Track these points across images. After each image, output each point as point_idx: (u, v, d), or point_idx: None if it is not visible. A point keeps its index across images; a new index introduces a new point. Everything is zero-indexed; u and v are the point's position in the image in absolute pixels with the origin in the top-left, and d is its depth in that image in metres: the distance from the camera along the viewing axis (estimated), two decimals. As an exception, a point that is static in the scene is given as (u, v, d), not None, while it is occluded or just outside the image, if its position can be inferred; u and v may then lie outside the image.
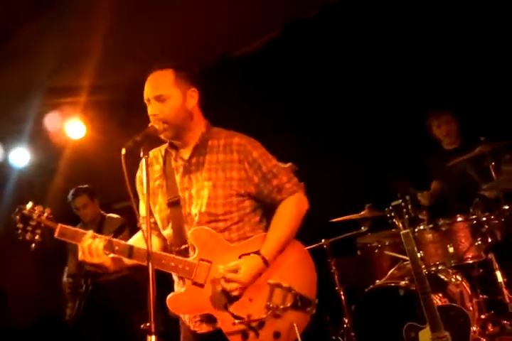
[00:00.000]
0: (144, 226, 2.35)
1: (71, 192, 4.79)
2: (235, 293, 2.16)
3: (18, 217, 2.25)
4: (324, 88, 5.39)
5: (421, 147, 4.94)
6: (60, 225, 2.24)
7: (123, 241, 2.28)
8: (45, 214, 2.26)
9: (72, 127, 6.06)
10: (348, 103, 5.29)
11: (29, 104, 5.63)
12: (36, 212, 2.25)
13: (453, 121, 4.68)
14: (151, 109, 2.30)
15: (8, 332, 5.83)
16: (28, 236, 2.24)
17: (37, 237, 2.24)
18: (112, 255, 2.25)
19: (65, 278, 4.64)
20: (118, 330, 4.39)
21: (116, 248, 2.22)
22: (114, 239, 2.26)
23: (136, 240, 2.40)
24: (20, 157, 6.13)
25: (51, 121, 5.78)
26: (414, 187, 4.42)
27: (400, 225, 3.29)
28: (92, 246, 2.19)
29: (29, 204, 2.27)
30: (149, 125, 2.27)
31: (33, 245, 2.26)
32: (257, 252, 2.24)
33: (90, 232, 2.24)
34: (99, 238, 2.22)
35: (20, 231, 2.24)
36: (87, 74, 5.34)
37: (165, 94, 2.28)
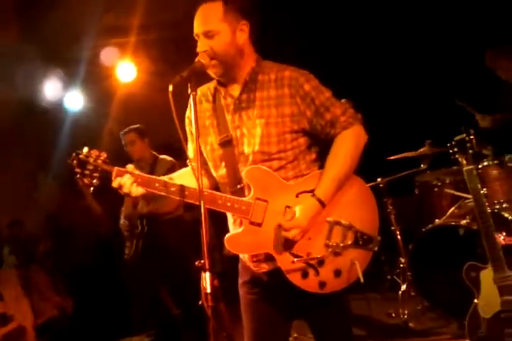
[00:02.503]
0: (193, 166, 2.31)
1: (122, 131, 4.88)
2: (297, 239, 2.12)
3: (75, 162, 2.23)
4: (381, 21, 5.13)
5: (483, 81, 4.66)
6: (116, 168, 2.21)
7: (175, 182, 2.22)
8: (102, 158, 2.22)
9: (123, 69, 6.04)
10: (407, 38, 5.04)
11: (82, 46, 5.61)
12: (92, 156, 2.22)
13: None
14: (200, 46, 2.19)
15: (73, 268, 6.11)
16: (86, 180, 2.23)
17: (95, 181, 2.22)
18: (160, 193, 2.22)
19: (121, 220, 4.76)
20: (174, 268, 4.51)
21: (172, 189, 2.17)
22: (166, 179, 2.23)
23: (184, 175, 2.36)
24: (75, 100, 6.19)
25: (106, 56, 5.75)
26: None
27: (464, 161, 3.12)
28: (127, 183, 2.17)
29: (85, 149, 2.25)
30: (196, 60, 2.16)
31: (92, 188, 2.26)
32: (312, 193, 2.16)
33: (129, 166, 2.22)
34: (135, 176, 2.19)
35: (78, 175, 2.23)
36: (138, 13, 5.25)
37: (213, 29, 2.16)
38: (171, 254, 4.53)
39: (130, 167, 2.23)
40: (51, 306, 5.75)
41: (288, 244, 2.13)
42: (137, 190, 2.19)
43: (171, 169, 4.45)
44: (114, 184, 2.19)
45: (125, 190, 2.17)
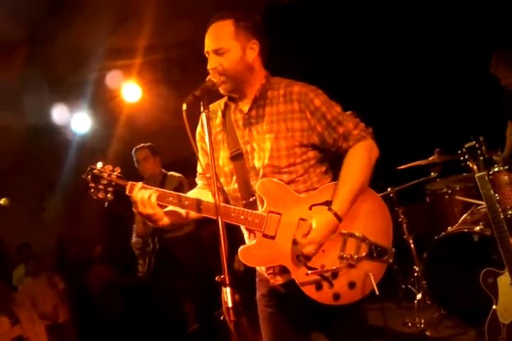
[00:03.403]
0: (200, 183, 2.38)
1: (134, 148, 4.89)
2: (312, 254, 2.12)
3: (89, 176, 2.26)
4: (390, 30, 5.17)
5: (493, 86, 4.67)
6: (130, 183, 2.23)
7: (190, 196, 2.25)
8: (115, 173, 2.26)
9: (129, 90, 6.11)
10: (418, 43, 5.07)
11: (88, 68, 5.68)
12: (106, 171, 2.25)
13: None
14: (211, 63, 2.23)
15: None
16: (100, 194, 2.25)
17: (109, 195, 2.24)
18: (169, 208, 2.23)
19: (133, 239, 4.76)
20: (186, 284, 4.51)
21: (187, 202, 2.19)
22: (181, 194, 2.23)
23: (197, 195, 2.37)
24: (82, 122, 6.25)
25: (112, 79, 5.82)
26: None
27: (475, 168, 3.13)
28: (144, 196, 2.16)
29: (99, 164, 2.27)
30: (207, 78, 2.20)
31: (106, 203, 2.27)
32: (329, 206, 2.16)
33: (140, 184, 2.21)
34: (150, 189, 2.19)
35: (92, 190, 2.25)
36: (142, 35, 5.32)
37: (224, 47, 2.20)
38: (183, 270, 4.54)
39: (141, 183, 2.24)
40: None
41: (304, 258, 2.14)
42: (153, 206, 2.19)
43: (180, 186, 4.49)
44: (136, 196, 2.17)
45: (140, 205, 2.17)
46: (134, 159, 4.86)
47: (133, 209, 2.22)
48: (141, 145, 4.89)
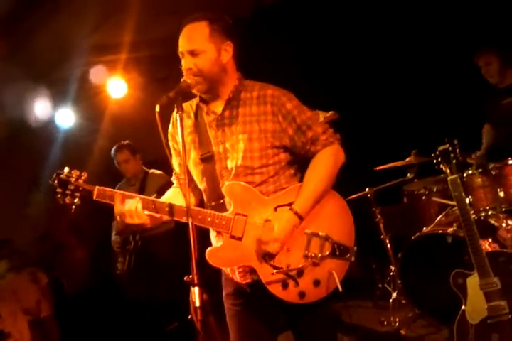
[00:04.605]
0: (175, 182, 2.40)
1: (114, 148, 4.86)
2: (275, 252, 2.17)
3: (56, 182, 2.30)
4: (366, 32, 5.20)
5: (472, 88, 4.73)
6: (97, 187, 2.28)
7: (160, 200, 2.29)
8: (83, 178, 2.30)
9: (114, 85, 6.09)
10: (394, 44, 5.11)
11: (72, 64, 5.66)
12: (73, 176, 2.29)
13: (497, 61, 4.41)
14: (185, 64, 2.26)
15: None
16: (67, 199, 2.29)
17: (76, 200, 2.29)
18: (147, 212, 2.26)
19: (113, 236, 4.75)
20: (167, 282, 4.52)
21: (156, 206, 2.24)
22: (152, 198, 2.28)
23: (172, 195, 2.42)
24: (66, 117, 6.23)
25: (96, 74, 5.80)
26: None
27: (448, 171, 3.17)
28: (131, 208, 2.20)
29: (66, 169, 2.32)
30: (182, 80, 2.23)
31: (73, 207, 2.32)
32: (290, 207, 2.21)
33: (120, 195, 2.24)
34: (135, 198, 2.23)
35: (59, 195, 2.30)
36: (128, 31, 5.30)
37: (199, 48, 2.23)
38: (164, 268, 4.54)
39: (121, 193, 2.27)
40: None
41: (268, 257, 2.18)
42: (140, 216, 2.22)
43: (168, 184, 4.47)
44: (122, 208, 2.20)
45: (128, 216, 2.20)
46: (115, 161, 4.82)
47: (117, 219, 2.24)
48: (120, 144, 4.83)
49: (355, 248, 2.29)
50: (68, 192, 2.29)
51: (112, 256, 4.84)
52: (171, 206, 2.22)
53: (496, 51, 4.43)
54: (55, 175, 2.31)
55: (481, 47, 4.53)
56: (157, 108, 2.06)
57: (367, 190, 4.55)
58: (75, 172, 2.30)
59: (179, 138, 2.21)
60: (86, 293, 5.99)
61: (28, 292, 5.75)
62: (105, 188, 2.28)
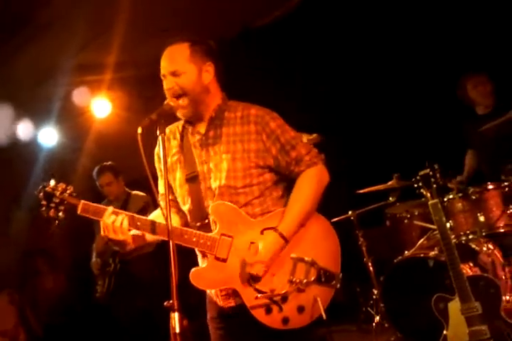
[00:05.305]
0: (162, 204, 2.37)
1: (95, 169, 4.79)
2: (260, 274, 2.15)
3: (41, 194, 2.27)
4: (349, 56, 5.28)
5: (453, 115, 4.82)
6: (82, 202, 2.25)
7: (145, 217, 2.28)
8: (68, 191, 2.27)
9: (98, 105, 6.09)
10: (376, 70, 5.20)
11: (56, 83, 5.66)
12: (59, 189, 2.26)
13: (489, 83, 4.52)
14: (166, 84, 2.28)
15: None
16: (51, 212, 2.26)
17: (60, 214, 2.26)
18: (132, 232, 2.25)
19: (93, 259, 4.69)
20: (147, 305, 4.45)
21: (139, 223, 2.23)
22: (136, 215, 2.26)
23: (157, 215, 2.40)
24: (49, 136, 6.20)
25: (79, 96, 5.80)
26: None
27: (428, 195, 3.21)
28: (116, 223, 2.19)
29: (52, 182, 2.28)
30: (165, 102, 2.25)
31: (57, 222, 2.28)
32: (275, 228, 2.21)
33: (110, 208, 2.24)
34: (121, 214, 2.22)
35: (44, 208, 2.26)
36: (113, 51, 5.33)
37: (179, 69, 2.26)
38: (144, 291, 4.48)
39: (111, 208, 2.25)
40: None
41: (252, 280, 2.17)
42: (124, 232, 2.21)
43: (145, 207, 4.43)
44: (108, 222, 2.19)
45: (111, 231, 2.19)
46: (97, 183, 4.75)
47: (102, 233, 2.23)
48: (102, 166, 4.77)
49: (341, 275, 2.27)
50: (53, 205, 2.25)
51: (90, 282, 4.77)
52: (156, 224, 2.21)
53: (487, 74, 4.52)
54: (40, 187, 2.27)
55: (468, 72, 4.62)
56: (139, 130, 2.07)
57: (350, 212, 4.58)
58: (61, 186, 2.27)
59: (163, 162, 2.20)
60: (54, 325, 5.84)
61: (6, 314, 5.64)
62: (89, 203, 2.26)
